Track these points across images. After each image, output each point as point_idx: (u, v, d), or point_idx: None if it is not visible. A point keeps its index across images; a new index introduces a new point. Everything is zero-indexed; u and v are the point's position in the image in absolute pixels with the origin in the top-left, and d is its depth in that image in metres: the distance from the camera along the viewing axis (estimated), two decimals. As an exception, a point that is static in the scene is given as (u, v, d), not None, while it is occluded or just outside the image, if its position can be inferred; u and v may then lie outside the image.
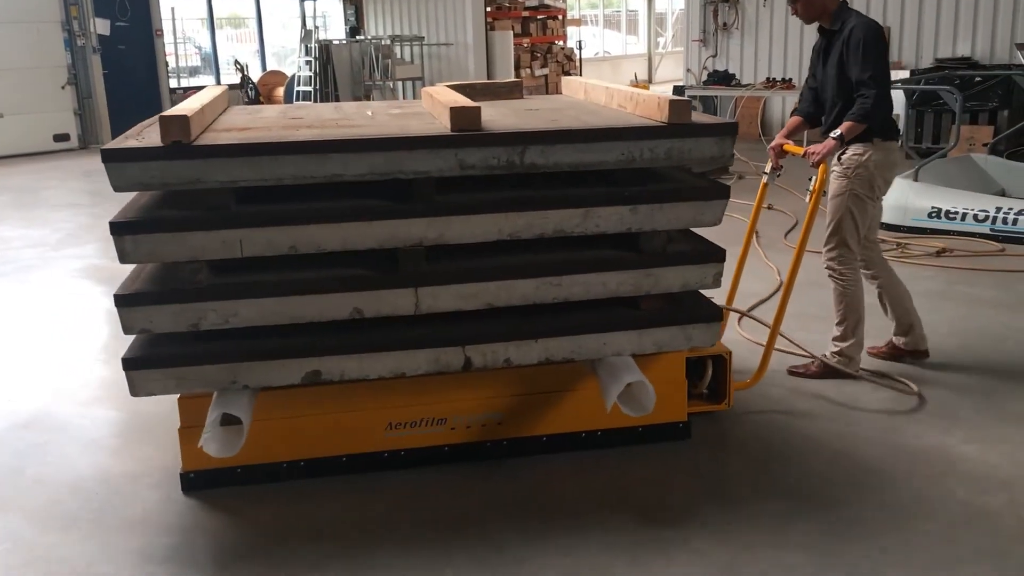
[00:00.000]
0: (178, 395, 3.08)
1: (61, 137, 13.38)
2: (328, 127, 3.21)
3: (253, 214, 2.92)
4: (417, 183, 2.98)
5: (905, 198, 6.73)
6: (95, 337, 5.04)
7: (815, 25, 4.10)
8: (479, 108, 3.04)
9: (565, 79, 4.49)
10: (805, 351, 4.11)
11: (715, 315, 3.34)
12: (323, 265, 3.03)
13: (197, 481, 3.20)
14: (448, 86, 3.93)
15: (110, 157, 2.75)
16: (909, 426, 3.55)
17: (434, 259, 3.07)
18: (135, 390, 2.99)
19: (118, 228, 2.82)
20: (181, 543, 2.87)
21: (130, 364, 2.96)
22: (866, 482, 3.13)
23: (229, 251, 2.89)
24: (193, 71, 17.39)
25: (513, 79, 4.79)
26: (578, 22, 20.34)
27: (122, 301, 2.88)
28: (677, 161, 3.16)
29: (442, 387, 3.28)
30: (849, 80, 3.92)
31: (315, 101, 15.07)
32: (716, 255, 3.26)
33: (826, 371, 4.03)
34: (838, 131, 3.86)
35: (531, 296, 3.13)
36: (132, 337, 3.09)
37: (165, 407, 3.91)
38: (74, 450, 3.57)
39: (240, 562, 2.77)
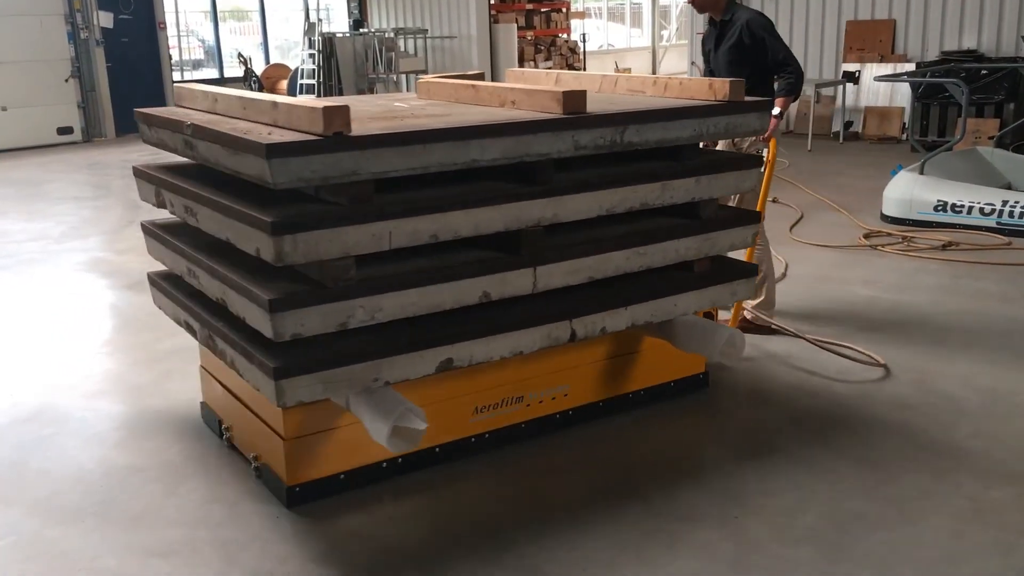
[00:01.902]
0: (284, 406, 2.79)
1: (64, 130, 13.37)
2: (434, 117, 3.17)
3: (400, 205, 2.84)
4: (540, 165, 3.08)
5: (911, 191, 6.70)
6: (98, 330, 5.04)
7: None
8: (585, 92, 3.19)
9: (508, 71, 4.54)
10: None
11: (752, 271, 3.73)
12: (440, 253, 2.99)
13: (304, 494, 3.04)
14: (441, 77, 4.04)
15: (274, 152, 2.57)
16: (916, 420, 3.53)
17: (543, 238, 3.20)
18: (284, 399, 2.74)
19: (278, 228, 2.62)
20: (184, 537, 2.87)
21: (281, 373, 2.70)
22: (871, 476, 3.12)
23: (377, 244, 2.80)
24: (196, 64, 17.36)
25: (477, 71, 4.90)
26: (582, 15, 20.28)
27: (277, 306, 2.66)
28: (732, 134, 3.61)
29: (520, 365, 3.37)
30: (743, 63, 4.50)
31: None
32: (753, 217, 3.74)
33: (749, 326, 4.44)
34: (777, 109, 4.36)
35: (622, 267, 3.34)
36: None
37: (167, 402, 3.92)
38: (77, 443, 3.57)
39: (243, 555, 2.76)
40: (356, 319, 2.79)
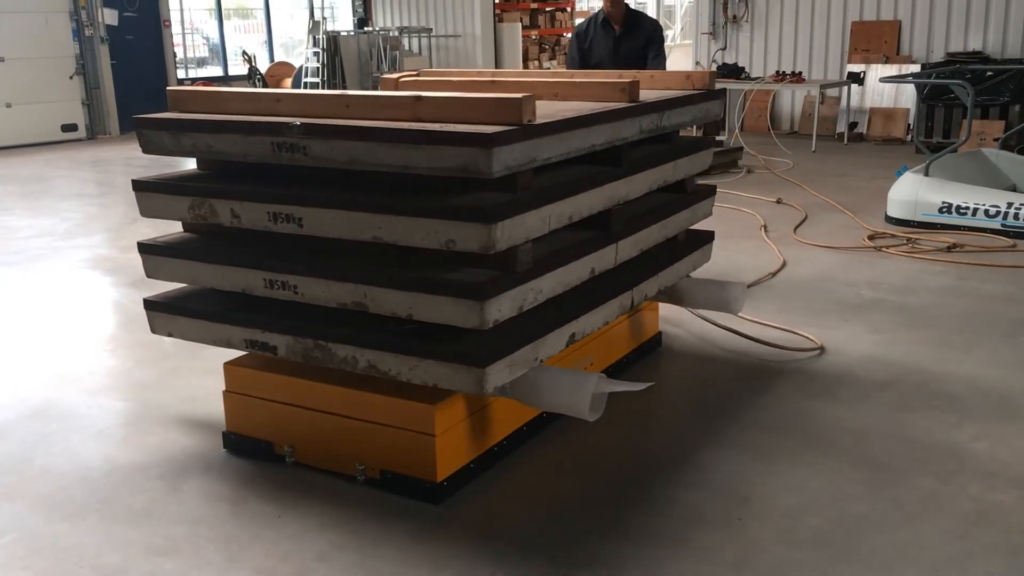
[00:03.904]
0: (483, 393, 2.80)
1: (69, 127, 13.39)
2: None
3: (556, 190, 2.98)
4: (623, 148, 3.39)
5: (916, 193, 6.69)
6: (102, 327, 5.04)
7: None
8: (639, 81, 3.56)
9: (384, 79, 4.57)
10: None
11: (710, 238, 4.25)
12: (550, 235, 3.06)
13: (450, 488, 3.02)
14: (409, 74, 4.11)
15: (493, 142, 2.64)
16: (919, 422, 3.52)
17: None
18: (486, 386, 2.75)
19: (490, 216, 2.67)
20: (187, 534, 2.87)
21: (484, 360, 2.73)
22: (876, 478, 3.11)
23: (543, 228, 2.92)
24: (201, 62, 17.38)
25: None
26: (586, 14, 20.29)
27: (486, 293, 2.70)
28: (707, 119, 4.11)
29: None
30: (641, 61, 5.80)
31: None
32: (712, 189, 4.27)
33: None
34: None
35: (656, 239, 3.72)
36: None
37: (171, 398, 3.92)
38: (81, 439, 3.57)
39: (245, 553, 2.76)
40: (529, 302, 2.92)
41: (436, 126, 2.76)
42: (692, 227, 4.13)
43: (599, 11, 6.52)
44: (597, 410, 2.97)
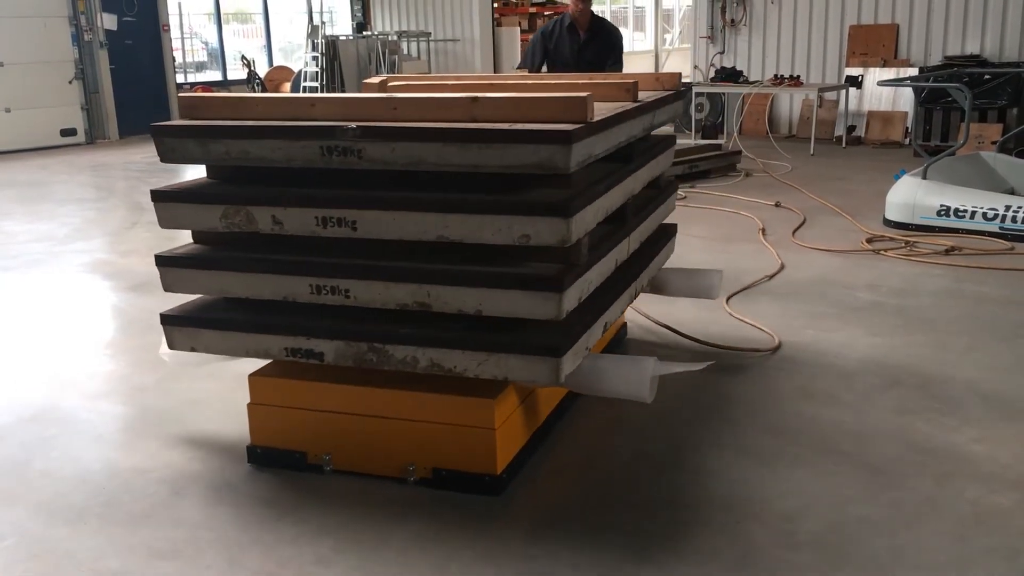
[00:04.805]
0: (558, 384, 2.93)
1: (68, 132, 13.40)
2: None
3: (604, 183, 3.12)
4: (635, 144, 3.56)
5: (914, 196, 6.70)
6: (101, 331, 5.05)
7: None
8: (637, 82, 3.74)
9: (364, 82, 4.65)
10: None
11: (675, 231, 4.42)
12: None
13: (506, 480, 3.06)
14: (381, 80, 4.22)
15: (572, 138, 2.73)
16: (918, 424, 3.53)
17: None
18: (562, 374, 2.83)
19: (567, 210, 2.76)
20: (187, 537, 2.87)
21: (559, 351, 2.81)
22: (874, 481, 3.11)
23: (594, 221, 3.02)
24: (200, 66, 17.40)
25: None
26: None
27: (562, 286, 2.78)
28: (676, 117, 4.41)
29: None
30: (602, 66, 6.24)
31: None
32: (675, 184, 4.55)
33: None
34: None
35: (649, 231, 3.95)
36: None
37: (170, 403, 3.92)
38: (81, 444, 3.57)
39: (246, 556, 2.76)
40: (585, 293, 3.00)
41: (506, 125, 2.82)
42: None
43: (565, 15, 6.90)
44: (653, 392, 3.12)
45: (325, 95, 3.09)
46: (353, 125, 2.90)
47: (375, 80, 4.20)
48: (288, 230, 3.03)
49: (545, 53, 6.68)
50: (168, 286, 3.23)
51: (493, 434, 2.99)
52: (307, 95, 3.16)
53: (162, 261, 3.21)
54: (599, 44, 6.43)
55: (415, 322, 2.99)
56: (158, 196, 3.18)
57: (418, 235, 2.90)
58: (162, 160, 3.18)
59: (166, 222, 3.21)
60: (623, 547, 2.74)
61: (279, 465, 3.26)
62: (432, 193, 2.92)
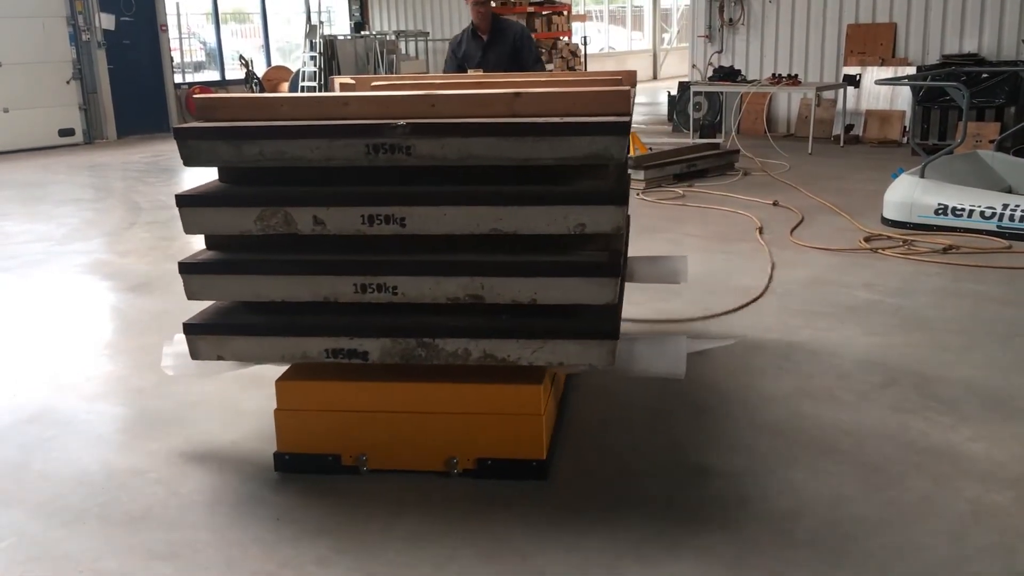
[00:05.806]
0: (609, 368, 2.99)
1: (66, 132, 13.40)
2: None
3: (621, 175, 3.28)
4: None
5: (911, 195, 6.70)
6: (100, 332, 5.05)
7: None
8: (621, 81, 3.69)
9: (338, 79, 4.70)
10: None
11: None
12: None
13: (549, 465, 3.14)
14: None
15: (614, 130, 2.83)
16: (916, 423, 3.54)
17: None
18: (617, 357, 2.95)
19: (620, 198, 2.90)
20: (186, 539, 2.87)
21: (613, 334, 2.93)
22: (872, 479, 3.12)
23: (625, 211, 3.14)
24: (198, 66, 17.39)
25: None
26: (583, 18, 20.32)
27: (615, 271, 2.89)
28: None
29: None
30: (518, 63, 6.43)
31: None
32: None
33: None
34: None
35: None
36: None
37: (169, 404, 3.92)
38: (79, 445, 3.57)
39: (245, 557, 2.76)
40: (622, 279, 3.12)
41: (557, 118, 2.90)
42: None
43: (471, 23, 7.11)
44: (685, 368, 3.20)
45: (359, 94, 3.11)
46: (403, 123, 2.91)
47: (348, 79, 4.22)
48: (331, 230, 2.97)
49: (456, 62, 6.90)
50: (193, 294, 3.08)
51: (540, 420, 3.05)
52: (338, 94, 3.18)
53: (186, 268, 3.05)
54: (503, 44, 6.60)
55: (461, 315, 3.01)
56: (184, 201, 3.05)
57: (470, 229, 2.93)
58: (186, 163, 3.08)
59: (192, 227, 3.08)
60: (623, 546, 2.75)
61: (311, 470, 3.18)
62: (483, 187, 2.96)
